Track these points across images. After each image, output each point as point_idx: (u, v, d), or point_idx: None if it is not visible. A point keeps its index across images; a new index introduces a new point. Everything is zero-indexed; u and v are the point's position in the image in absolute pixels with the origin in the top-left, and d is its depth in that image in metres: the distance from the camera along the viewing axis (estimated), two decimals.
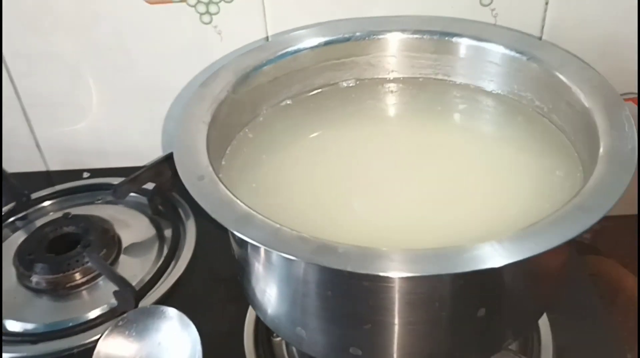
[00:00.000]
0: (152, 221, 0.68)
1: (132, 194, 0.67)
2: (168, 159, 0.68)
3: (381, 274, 0.33)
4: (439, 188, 0.47)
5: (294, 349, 0.52)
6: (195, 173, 0.40)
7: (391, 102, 0.55)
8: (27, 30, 0.66)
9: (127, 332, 0.49)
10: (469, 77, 0.53)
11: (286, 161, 0.49)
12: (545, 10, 0.63)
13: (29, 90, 0.70)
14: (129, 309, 0.54)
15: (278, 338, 0.53)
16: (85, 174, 0.75)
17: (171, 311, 0.50)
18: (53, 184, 0.73)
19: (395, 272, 0.33)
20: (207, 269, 0.62)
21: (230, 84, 0.49)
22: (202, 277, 0.61)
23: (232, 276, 0.59)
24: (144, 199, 0.69)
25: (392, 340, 0.39)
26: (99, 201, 0.71)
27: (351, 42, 0.53)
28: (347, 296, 0.37)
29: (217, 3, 0.64)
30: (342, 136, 0.51)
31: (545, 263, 0.42)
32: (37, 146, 0.74)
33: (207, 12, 0.65)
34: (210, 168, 0.40)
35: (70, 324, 0.56)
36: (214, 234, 0.63)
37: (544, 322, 0.52)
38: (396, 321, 0.38)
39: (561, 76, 0.47)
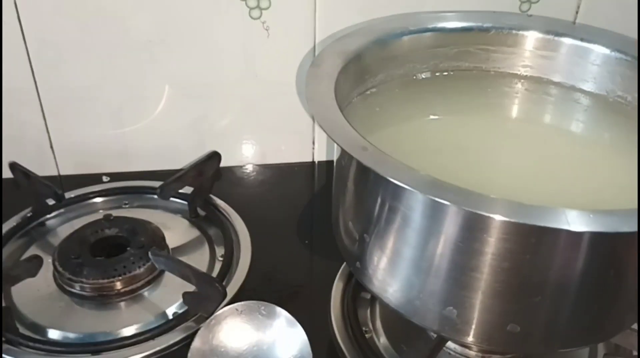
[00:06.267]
0: (193, 223, 0.64)
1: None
2: (210, 159, 0.65)
3: None
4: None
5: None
6: (358, 145, 0.38)
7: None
8: (58, 14, 0.60)
9: (235, 326, 0.45)
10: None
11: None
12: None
13: (50, 83, 0.64)
14: (211, 310, 0.49)
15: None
16: (105, 178, 0.69)
17: (278, 310, 0.47)
18: (64, 190, 0.66)
19: None
20: (272, 267, 0.59)
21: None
22: (268, 276, 0.58)
23: (299, 272, 0.59)
24: (177, 204, 0.65)
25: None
26: (127, 206, 0.66)
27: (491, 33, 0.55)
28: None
29: None
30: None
31: None
32: (51, 147, 0.68)
33: (258, 6, 0.63)
34: (365, 140, 0.39)
35: (136, 331, 0.51)
36: (266, 229, 0.63)
37: None
38: None
39: None
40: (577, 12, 0.69)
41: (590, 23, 0.67)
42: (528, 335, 0.41)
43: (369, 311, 0.55)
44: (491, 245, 0.37)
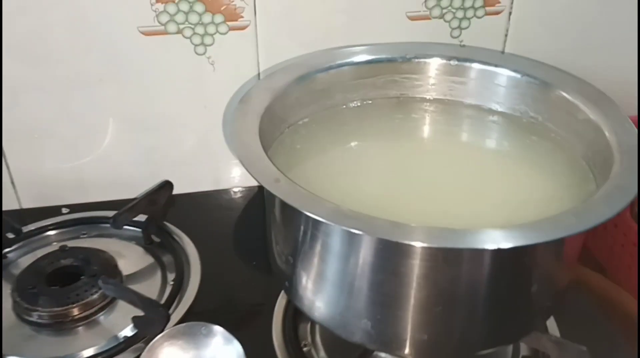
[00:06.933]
0: (147, 250, 0.67)
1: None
2: (162, 188, 0.68)
3: None
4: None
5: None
6: (270, 177, 0.42)
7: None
8: (10, 58, 0.64)
9: (174, 347, 0.49)
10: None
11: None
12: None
13: (6, 122, 0.68)
14: (157, 332, 0.53)
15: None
16: (65, 210, 0.72)
17: (215, 328, 0.50)
18: (26, 223, 0.70)
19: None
20: (220, 289, 0.62)
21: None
22: (216, 297, 0.61)
23: (245, 292, 0.62)
24: (132, 232, 0.69)
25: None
26: (84, 236, 0.69)
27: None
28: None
29: (212, 35, 0.67)
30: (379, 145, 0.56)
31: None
32: (12, 182, 0.71)
33: (202, 43, 0.67)
34: (280, 172, 0.43)
35: (91, 354, 0.55)
36: (216, 252, 0.66)
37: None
38: None
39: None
40: (506, 36, 0.73)
41: (519, 47, 0.73)
42: (437, 342, 0.45)
43: (309, 326, 0.58)
44: (394, 264, 0.41)
